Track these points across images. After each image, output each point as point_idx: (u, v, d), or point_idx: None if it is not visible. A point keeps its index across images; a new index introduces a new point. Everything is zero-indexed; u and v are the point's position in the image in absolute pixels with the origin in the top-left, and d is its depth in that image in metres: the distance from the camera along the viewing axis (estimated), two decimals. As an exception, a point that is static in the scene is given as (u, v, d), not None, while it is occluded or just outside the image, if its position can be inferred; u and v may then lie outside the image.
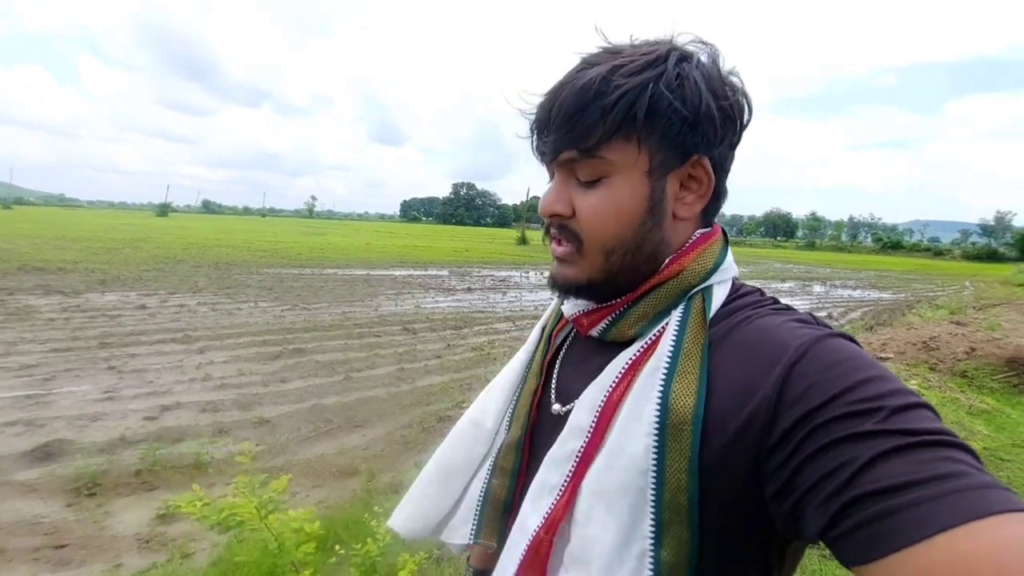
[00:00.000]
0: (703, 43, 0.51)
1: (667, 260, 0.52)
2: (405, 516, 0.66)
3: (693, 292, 0.51)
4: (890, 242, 66.02)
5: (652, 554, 0.44)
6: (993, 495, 0.32)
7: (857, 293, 17.04)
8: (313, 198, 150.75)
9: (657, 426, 0.45)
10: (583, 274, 0.53)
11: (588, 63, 0.50)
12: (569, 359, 0.61)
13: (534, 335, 0.67)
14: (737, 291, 0.53)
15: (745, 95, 0.51)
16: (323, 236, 31.63)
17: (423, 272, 15.18)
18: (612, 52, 0.50)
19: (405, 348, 6.27)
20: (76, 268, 11.12)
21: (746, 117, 0.52)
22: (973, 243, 65.26)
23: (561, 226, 0.53)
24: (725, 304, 0.51)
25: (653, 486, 0.44)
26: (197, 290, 9.54)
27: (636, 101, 0.47)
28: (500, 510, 0.58)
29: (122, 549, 2.38)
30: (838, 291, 17.26)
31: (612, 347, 0.54)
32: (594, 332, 0.55)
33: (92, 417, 3.77)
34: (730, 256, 0.55)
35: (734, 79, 0.51)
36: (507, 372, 0.67)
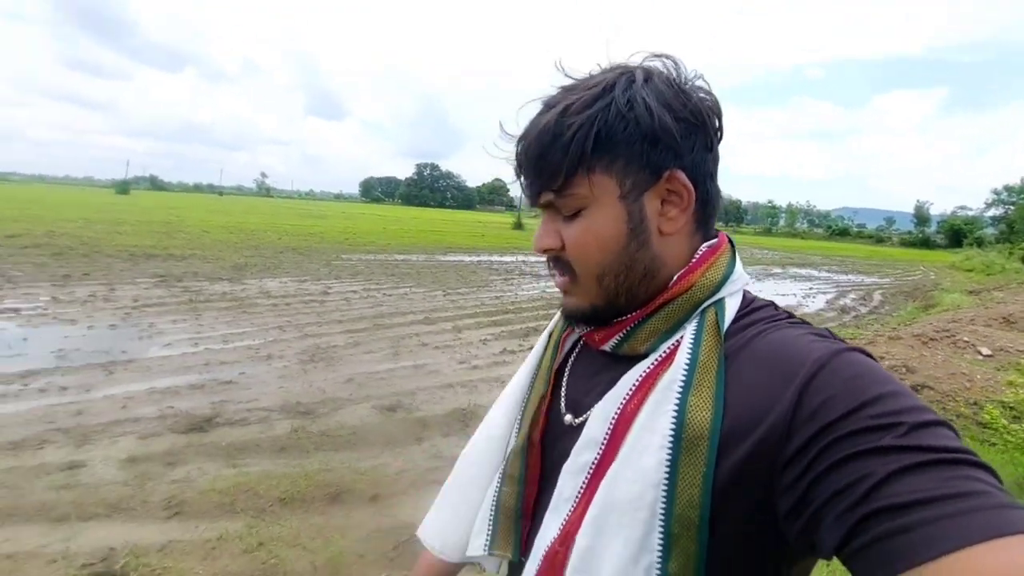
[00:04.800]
0: (658, 55, 0.54)
1: (676, 276, 0.53)
2: (428, 528, 0.68)
3: (705, 306, 0.52)
4: (838, 229, 72.53)
5: (659, 567, 0.44)
6: (1012, 515, 0.32)
7: (852, 278, 19.39)
8: (263, 175, 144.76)
9: (672, 439, 0.46)
10: (584, 301, 0.56)
11: (547, 105, 0.53)
12: (579, 368, 0.62)
13: (540, 342, 0.68)
14: (750, 304, 0.54)
15: (707, 96, 0.53)
16: (327, 219, 31.56)
17: (492, 258, 16.21)
18: (568, 90, 0.53)
19: (605, 327, 7.51)
20: (182, 256, 11.49)
21: (712, 118, 0.53)
22: (909, 232, 72.13)
23: (555, 259, 0.56)
24: (738, 318, 0.52)
25: (664, 500, 0.45)
26: (337, 277, 10.29)
27: (588, 135, 0.49)
28: (512, 518, 0.59)
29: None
30: (836, 276, 19.58)
31: (624, 360, 0.55)
32: (606, 347, 0.56)
33: (490, 380, 4.86)
34: (739, 266, 0.55)
35: (695, 84, 0.53)
36: (514, 381, 0.68)
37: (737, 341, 0.50)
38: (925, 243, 61.40)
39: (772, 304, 0.55)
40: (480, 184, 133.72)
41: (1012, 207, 52.25)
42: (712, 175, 0.55)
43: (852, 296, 13.55)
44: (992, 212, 58.31)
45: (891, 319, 9.61)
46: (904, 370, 4.89)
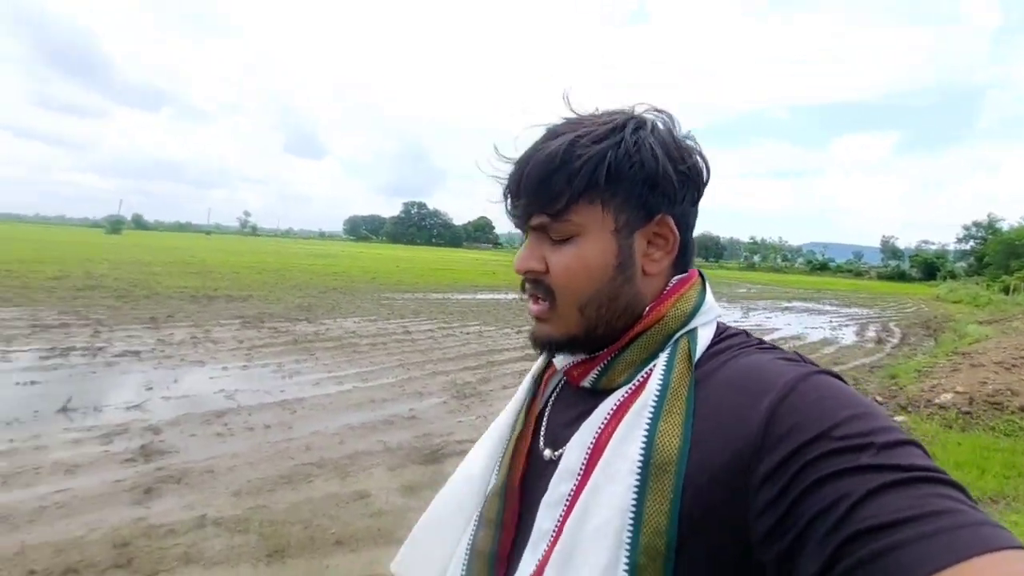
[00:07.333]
0: (658, 111, 0.57)
1: (648, 308, 0.55)
2: (401, 562, 0.67)
3: (678, 336, 0.54)
4: (818, 264, 75.52)
5: None
6: (989, 532, 0.33)
7: (856, 311, 20.17)
8: (246, 213, 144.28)
9: (640, 465, 0.46)
10: (559, 330, 0.56)
11: (553, 133, 0.55)
12: (559, 406, 0.62)
13: (524, 383, 0.68)
14: (723, 333, 0.56)
15: (701, 156, 0.56)
16: (336, 259, 31.77)
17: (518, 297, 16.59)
18: (575, 123, 0.55)
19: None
20: (241, 297, 11.67)
21: (704, 176, 0.57)
22: (886, 265, 75.36)
23: (536, 281, 0.57)
24: (711, 345, 0.53)
25: (631, 527, 0.44)
26: (402, 316, 10.57)
27: (598, 167, 0.51)
28: (486, 563, 0.58)
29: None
30: (841, 309, 20.37)
31: (602, 394, 0.55)
32: (585, 383, 0.58)
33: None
34: (710, 297, 0.57)
35: (689, 143, 0.56)
36: (496, 423, 0.67)
37: (709, 367, 0.51)
38: (901, 276, 64.24)
39: (745, 332, 0.56)
40: (466, 222, 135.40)
41: (981, 242, 55.27)
42: (692, 227, 0.59)
43: (874, 328, 14.26)
44: (961, 247, 61.60)
45: (938, 349, 10.25)
46: (1009, 392, 5.42)
